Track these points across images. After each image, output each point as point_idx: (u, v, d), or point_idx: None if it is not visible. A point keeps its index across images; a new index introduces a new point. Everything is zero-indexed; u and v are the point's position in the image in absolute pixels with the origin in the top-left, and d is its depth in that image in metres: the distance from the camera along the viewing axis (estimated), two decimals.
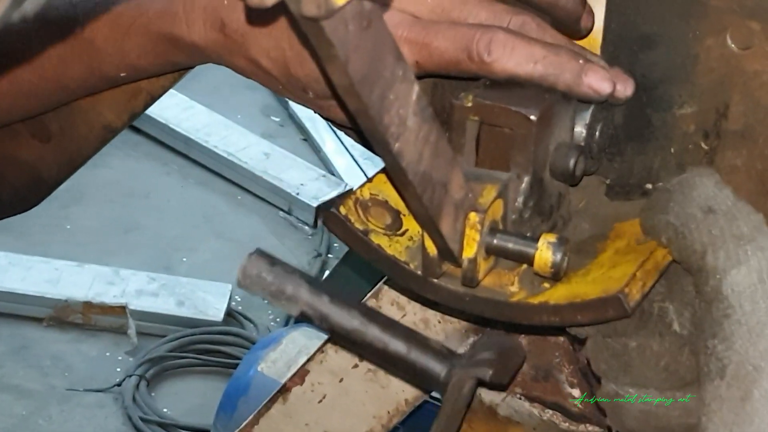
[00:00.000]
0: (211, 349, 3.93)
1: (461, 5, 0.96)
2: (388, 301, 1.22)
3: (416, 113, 0.79)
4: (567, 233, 0.98)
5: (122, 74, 1.09)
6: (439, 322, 1.19)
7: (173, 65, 1.09)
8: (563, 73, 0.91)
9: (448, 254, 0.90)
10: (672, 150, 0.98)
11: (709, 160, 0.97)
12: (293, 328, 3.22)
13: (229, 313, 4.07)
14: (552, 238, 0.90)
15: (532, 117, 0.91)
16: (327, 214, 0.95)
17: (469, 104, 0.93)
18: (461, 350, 1.19)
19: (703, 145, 0.97)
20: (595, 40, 0.99)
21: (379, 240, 0.95)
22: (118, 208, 4.62)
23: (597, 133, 0.97)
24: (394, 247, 0.95)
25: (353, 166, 4.95)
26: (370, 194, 0.97)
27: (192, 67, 1.12)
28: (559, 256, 0.89)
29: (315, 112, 1.06)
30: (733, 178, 0.95)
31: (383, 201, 0.97)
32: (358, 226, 0.95)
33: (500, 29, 0.92)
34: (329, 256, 4.42)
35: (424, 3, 0.96)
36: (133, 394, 3.73)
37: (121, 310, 3.97)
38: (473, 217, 0.88)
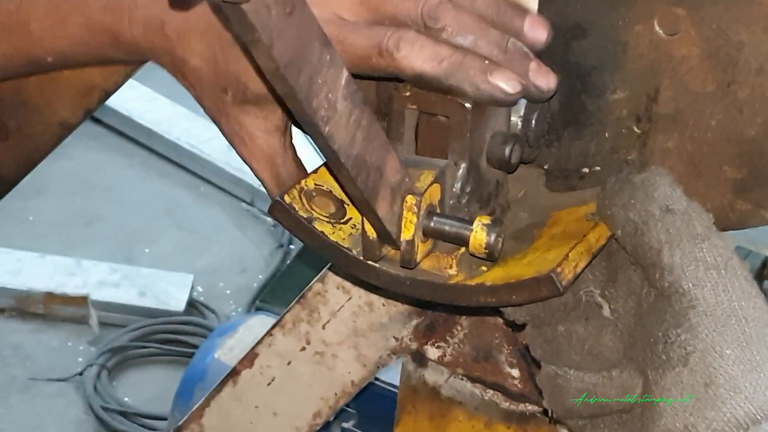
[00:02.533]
0: (172, 338, 3.93)
1: None
2: (334, 284, 1.24)
3: (346, 97, 0.82)
4: (506, 221, 1.01)
5: (49, 59, 1.09)
6: (383, 305, 1.21)
7: (106, 59, 1.10)
8: (468, 72, 0.92)
9: (387, 236, 0.92)
10: (606, 135, 1.01)
11: (641, 143, 0.99)
12: (251, 315, 3.23)
13: (191, 303, 4.07)
14: (486, 220, 0.92)
15: (467, 105, 0.93)
16: (272, 203, 0.97)
17: (407, 93, 0.95)
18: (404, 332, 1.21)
19: (635, 129, 0.99)
20: None
21: (323, 227, 0.97)
22: (80, 200, 4.61)
23: (533, 122, 0.99)
24: (338, 234, 0.97)
25: (315, 156, 4.92)
26: (315, 184, 0.99)
27: (130, 64, 1.13)
28: (492, 237, 0.92)
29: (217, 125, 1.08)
30: (666, 161, 0.98)
31: (327, 191, 0.99)
32: (302, 214, 0.97)
33: (411, 30, 0.94)
34: (291, 247, 4.41)
35: None
36: (94, 384, 3.72)
37: (83, 300, 3.97)
38: (410, 199, 0.91)
